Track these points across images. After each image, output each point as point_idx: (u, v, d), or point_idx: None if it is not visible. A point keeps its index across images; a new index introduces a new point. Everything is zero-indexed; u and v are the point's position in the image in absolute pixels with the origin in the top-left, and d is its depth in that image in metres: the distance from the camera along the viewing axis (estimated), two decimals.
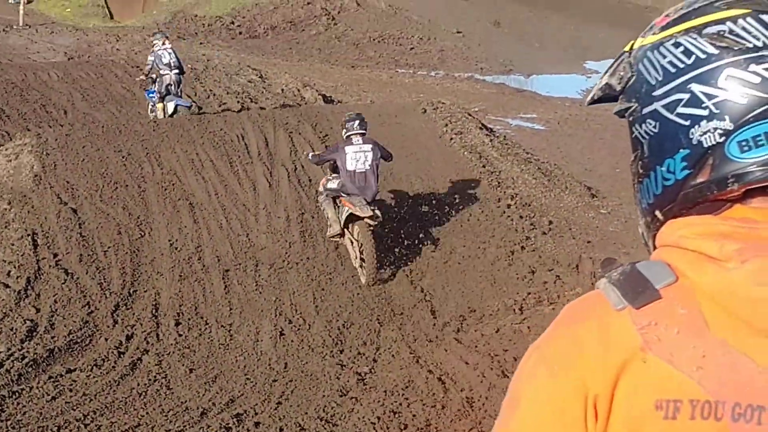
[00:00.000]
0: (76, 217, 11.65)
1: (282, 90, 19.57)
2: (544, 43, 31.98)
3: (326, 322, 10.20)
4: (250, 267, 11.31)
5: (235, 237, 11.89)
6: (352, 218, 11.23)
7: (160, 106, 15.96)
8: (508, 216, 12.84)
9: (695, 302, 1.30)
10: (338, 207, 11.54)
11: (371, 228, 11.22)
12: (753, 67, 1.36)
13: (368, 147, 11.48)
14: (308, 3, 31.26)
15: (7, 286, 10.08)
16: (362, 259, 11.18)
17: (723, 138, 1.36)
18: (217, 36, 28.97)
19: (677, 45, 1.41)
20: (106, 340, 9.44)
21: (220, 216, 12.24)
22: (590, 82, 26.92)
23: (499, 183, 13.82)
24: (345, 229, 11.44)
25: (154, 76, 16.10)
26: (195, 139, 14.01)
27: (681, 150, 1.40)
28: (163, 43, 16.27)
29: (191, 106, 16.43)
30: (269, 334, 9.90)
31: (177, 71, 16.03)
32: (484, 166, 14.15)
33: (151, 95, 16.28)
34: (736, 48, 1.37)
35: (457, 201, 13.06)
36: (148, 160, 13.19)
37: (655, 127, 1.43)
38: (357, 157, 11.42)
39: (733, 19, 1.38)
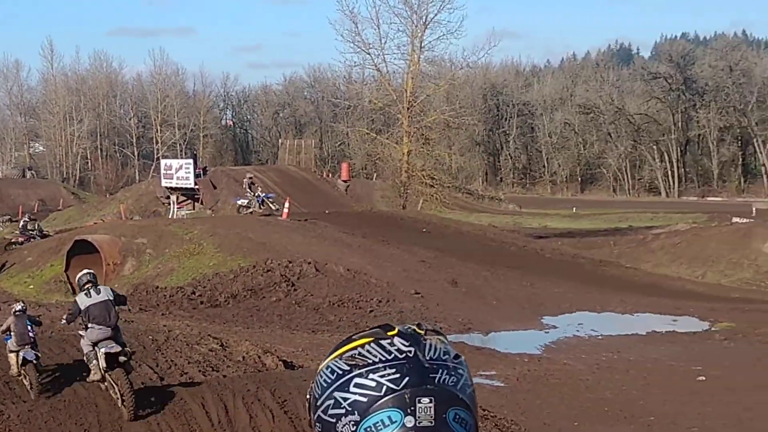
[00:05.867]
0: None
1: (243, 357, 19.70)
2: (501, 300, 32.71)
3: None
4: None
5: None
6: None
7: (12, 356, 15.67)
8: None
9: None
10: None
11: None
12: (371, 375, 1.98)
13: None
14: (268, 270, 32.05)
15: None
16: None
17: (355, 427, 1.96)
18: (178, 306, 29.39)
19: (327, 367, 2.05)
20: None
21: None
22: (548, 337, 27.40)
23: None
24: None
25: None
26: (156, 409, 14.13)
27: None
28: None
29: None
30: None
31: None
32: None
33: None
34: (361, 364, 2.00)
35: None
36: None
37: (320, 428, 2.03)
38: None
39: (362, 345, 2.03)
